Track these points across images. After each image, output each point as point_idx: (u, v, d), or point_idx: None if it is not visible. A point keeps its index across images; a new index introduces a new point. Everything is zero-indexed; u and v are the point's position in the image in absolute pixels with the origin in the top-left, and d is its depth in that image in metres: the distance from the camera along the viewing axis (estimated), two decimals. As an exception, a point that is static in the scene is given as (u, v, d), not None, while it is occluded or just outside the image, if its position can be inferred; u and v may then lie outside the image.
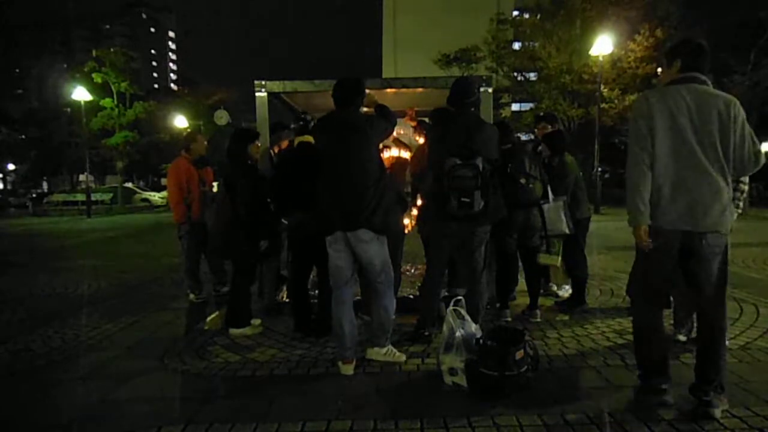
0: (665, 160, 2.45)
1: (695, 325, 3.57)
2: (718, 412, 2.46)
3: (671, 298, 3.94)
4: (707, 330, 2.57)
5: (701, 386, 2.51)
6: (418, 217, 4.05)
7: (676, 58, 2.55)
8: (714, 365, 2.51)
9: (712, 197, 2.43)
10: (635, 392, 2.75)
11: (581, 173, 4.51)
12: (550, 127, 4.92)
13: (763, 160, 2.54)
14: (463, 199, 3.26)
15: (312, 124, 3.95)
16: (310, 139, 3.86)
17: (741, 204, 3.33)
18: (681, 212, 2.43)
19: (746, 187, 3.29)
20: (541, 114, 6.36)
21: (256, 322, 4.06)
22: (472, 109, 3.60)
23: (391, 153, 4.78)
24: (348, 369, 3.19)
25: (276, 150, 4.69)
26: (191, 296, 5.13)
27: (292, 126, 4.02)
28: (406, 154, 4.75)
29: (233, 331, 3.95)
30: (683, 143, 2.43)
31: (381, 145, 3.71)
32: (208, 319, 4.27)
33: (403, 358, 3.32)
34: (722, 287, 2.54)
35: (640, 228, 2.48)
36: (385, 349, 3.33)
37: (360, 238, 3.12)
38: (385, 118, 3.34)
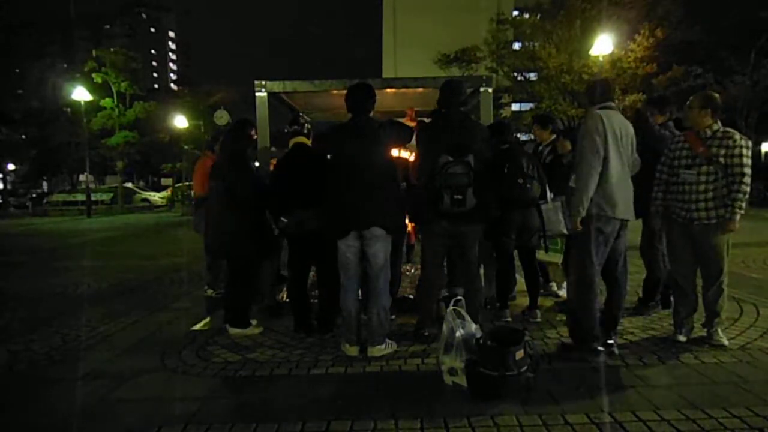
0: (615, 167, 3.17)
1: (694, 325, 3.61)
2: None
3: (671, 299, 3.96)
4: (613, 289, 3.45)
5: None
6: (412, 217, 4.05)
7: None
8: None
9: (632, 195, 3.31)
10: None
11: None
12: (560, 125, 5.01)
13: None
14: (455, 197, 3.33)
15: (307, 126, 3.97)
16: (305, 140, 3.90)
17: (743, 204, 3.34)
18: (623, 206, 3.21)
19: (748, 189, 3.30)
20: (539, 114, 6.44)
21: (253, 323, 4.06)
22: (462, 108, 3.65)
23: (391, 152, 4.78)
24: (353, 351, 3.43)
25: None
26: (209, 291, 5.16)
27: (287, 130, 4.02)
28: (406, 154, 4.74)
29: (232, 330, 3.95)
30: (620, 154, 3.21)
31: None
32: (200, 324, 4.29)
33: (395, 345, 3.51)
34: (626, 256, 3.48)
35: (579, 218, 3.19)
36: (384, 345, 3.43)
37: (372, 234, 3.33)
38: (401, 127, 3.59)
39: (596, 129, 3.14)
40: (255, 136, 4.24)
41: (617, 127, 3.19)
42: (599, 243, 3.22)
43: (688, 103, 3.48)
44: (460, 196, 3.32)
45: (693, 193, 3.38)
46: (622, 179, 3.21)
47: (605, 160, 3.13)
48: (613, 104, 3.30)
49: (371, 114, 3.48)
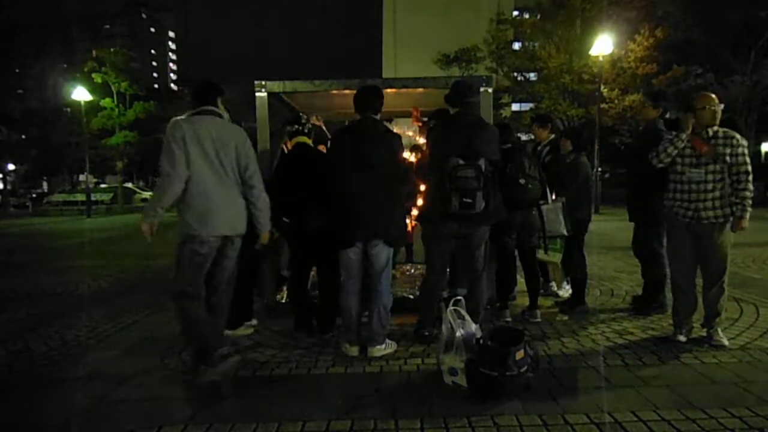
0: None
1: (694, 325, 3.61)
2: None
3: (666, 300, 3.95)
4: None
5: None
6: (418, 217, 4.05)
7: None
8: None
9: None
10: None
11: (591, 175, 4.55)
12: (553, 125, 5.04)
13: None
14: (464, 200, 3.30)
15: (308, 124, 3.96)
16: (306, 140, 3.89)
17: (749, 209, 3.35)
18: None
19: (750, 194, 3.32)
20: (538, 114, 6.47)
21: (254, 322, 4.05)
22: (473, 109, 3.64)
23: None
24: (353, 351, 3.44)
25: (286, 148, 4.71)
26: None
27: (288, 128, 4.00)
28: (406, 155, 4.75)
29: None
30: None
31: None
32: None
33: (395, 345, 3.52)
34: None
35: None
36: (384, 345, 3.44)
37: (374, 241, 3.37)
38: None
39: None
40: None
41: None
42: None
43: (704, 103, 3.37)
44: (469, 200, 3.29)
45: (701, 192, 3.38)
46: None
47: None
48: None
49: (378, 116, 3.47)
